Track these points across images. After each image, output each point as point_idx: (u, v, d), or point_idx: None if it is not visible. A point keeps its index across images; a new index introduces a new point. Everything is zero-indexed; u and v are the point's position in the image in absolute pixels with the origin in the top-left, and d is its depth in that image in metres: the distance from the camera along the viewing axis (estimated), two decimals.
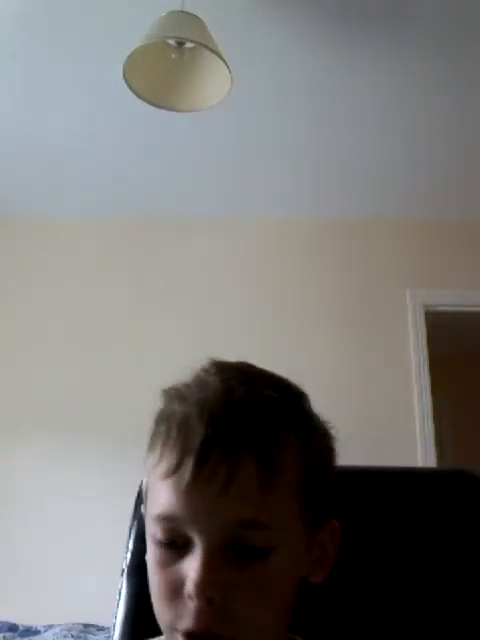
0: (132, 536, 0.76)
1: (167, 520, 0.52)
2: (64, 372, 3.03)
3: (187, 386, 0.58)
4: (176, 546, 0.52)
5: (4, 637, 2.31)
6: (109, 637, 2.28)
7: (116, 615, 0.73)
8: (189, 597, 0.50)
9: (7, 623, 2.43)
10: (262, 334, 3.03)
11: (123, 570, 0.74)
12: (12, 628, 2.40)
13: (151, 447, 0.57)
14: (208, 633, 0.50)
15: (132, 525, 0.77)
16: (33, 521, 2.82)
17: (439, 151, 2.78)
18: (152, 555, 0.54)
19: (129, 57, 1.74)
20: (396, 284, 3.13)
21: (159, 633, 0.57)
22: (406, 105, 2.51)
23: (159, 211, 3.19)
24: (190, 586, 0.49)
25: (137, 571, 0.70)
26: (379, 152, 2.79)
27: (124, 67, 1.77)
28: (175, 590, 0.51)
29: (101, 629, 2.39)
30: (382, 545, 0.75)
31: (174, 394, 0.58)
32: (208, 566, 0.49)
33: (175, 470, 0.52)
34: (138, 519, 0.76)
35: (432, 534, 0.76)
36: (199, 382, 0.57)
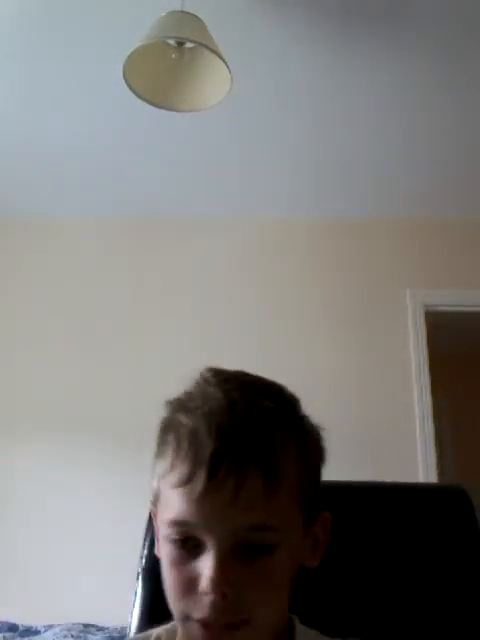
0: (147, 542, 0.82)
1: (180, 525, 0.57)
2: (64, 372, 3.03)
3: (190, 397, 0.62)
4: (189, 547, 0.57)
5: (4, 637, 2.31)
6: (109, 637, 2.27)
7: (132, 616, 0.80)
8: (204, 593, 0.55)
9: (7, 623, 2.43)
10: (262, 334, 3.04)
11: (138, 573, 0.81)
12: (12, 628, 2.40)
13: (160, 454, 0.62)
14: (221, 622, 0.55)
15: (147, 533, 0.82)
16: (33, 521, 2.82)
17: (439, 151, 2.78)
18: (166, 554, 0.59)
19: (129, 57, 1.74)
20: (396, 284, 3.13)
21: None
22: (406, 105, 2.51)
23: (159, 211, 3.19)
24: (205, 583, 0.54)
25: (151, 575, 0.78)
26: (379, 152, 2.79)
27: (124, 67, 1.78)
28: (189, 586, 0.56)
29: (101, 629, 2.39)
30: (372, 559, 0.79)
31: (178, 405, 0.62)
32: (221, 566, 0.54)
33: (187, 481, 0.56)
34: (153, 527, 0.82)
35: (421, 549, 0.79)
36: (202, 393, 0.61)
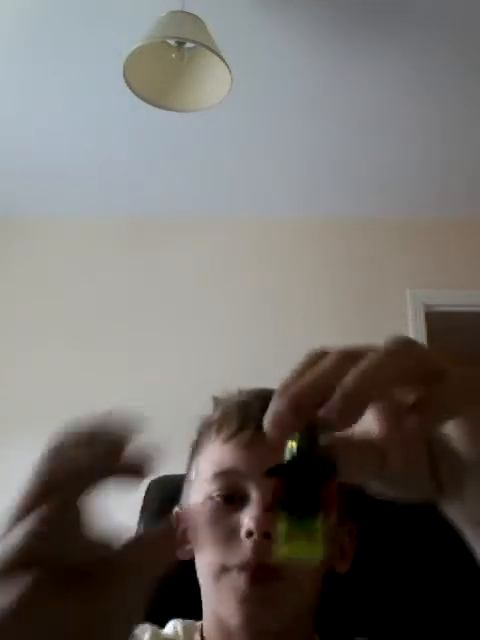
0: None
1: (227, 474, 0.60)
2: (63, 372, 3.02)
3: (233, 393, 0.68)
4: (233, 501, 0.59)
5: None
6: None
7: None
8: (247, 535, 0.56)
9: None
10: (262, 334, 3.03)
11: None
12: None
13: (205, 435, 0.65)
14: (262, 563, 0.56)
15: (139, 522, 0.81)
16: None
17: (440, 151, 2.78)
18: (208, 511, 0.61)
19: (129, 57, 1.74)
20: (396, 284, 3.13)
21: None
22: (406, 105, 2.51)
23: (159, 211, 3.19)
24: (250, 524, 0.56)
25: None
26: (380, 152, 2.79)
27: (124, 67, 1.78)
28: (230, 535, 0.58)
29: None
30: (378, 556, 0.77)
31: (222, 398, 0.68)
32: (265, 508, 0.57)
33: (236, 433, 0.61)
34: (144, 521, 0.81)
35: (431, 534, 0.77)
36: (239, 393, 0.67)
